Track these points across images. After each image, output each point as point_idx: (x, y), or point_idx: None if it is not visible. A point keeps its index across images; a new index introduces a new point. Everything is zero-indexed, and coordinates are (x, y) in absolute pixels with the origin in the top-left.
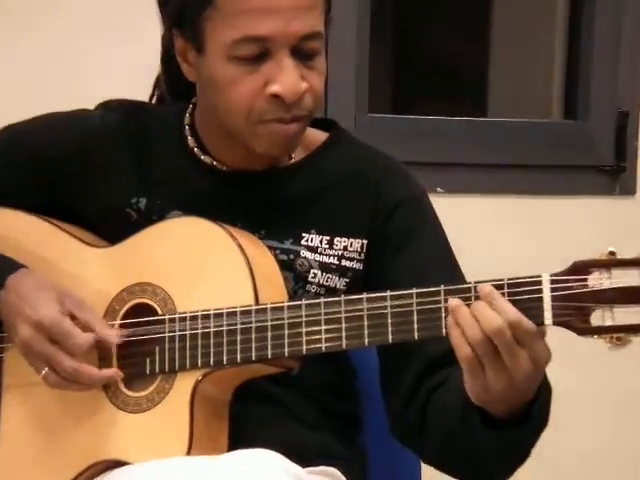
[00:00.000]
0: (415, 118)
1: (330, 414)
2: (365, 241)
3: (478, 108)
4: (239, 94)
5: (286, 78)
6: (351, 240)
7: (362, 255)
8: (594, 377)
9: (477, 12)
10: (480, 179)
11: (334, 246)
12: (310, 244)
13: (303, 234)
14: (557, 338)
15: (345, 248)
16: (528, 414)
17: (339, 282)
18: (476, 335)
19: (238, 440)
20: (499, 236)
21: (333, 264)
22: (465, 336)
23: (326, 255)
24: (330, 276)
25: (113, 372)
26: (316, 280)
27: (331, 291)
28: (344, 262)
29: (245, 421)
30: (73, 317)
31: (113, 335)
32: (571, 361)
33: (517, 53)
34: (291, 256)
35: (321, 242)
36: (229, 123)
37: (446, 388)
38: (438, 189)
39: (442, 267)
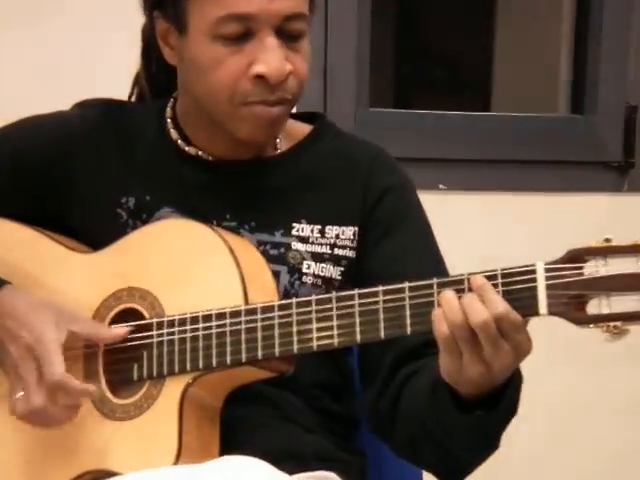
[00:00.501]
0: (417, 113)
1: (328, 416)
2: (357, 228)
3: (482, 102)
4: (222, 75)
5: (271, 58)
6: (343, 228)
7: (354, 243)
8: (599, 380)
9: (481, 2)
10: (483, 175)
11: (326, 235)
12: (301, 234)
13: (293, 224)
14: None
15: (337, 236)
16: (496, 399)
17: (334, 271)
18: (457, 320)
19: (232, 444)
20: (502, 234)
21: (326, 253)
22: (445, 317)
23: (318, 244)
24: (324, 266)
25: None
26: (311, 271)
27: (327, 281)
28: (337, 251)
29: (239, 424)
30: (74, 334)
31: (119, 334)
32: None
33: (522, 45)
34: (282, 250)
35: (312, 231)
36: (212, 107)
37: (420, 375)
38: (440, 186)
39: (426, 257)
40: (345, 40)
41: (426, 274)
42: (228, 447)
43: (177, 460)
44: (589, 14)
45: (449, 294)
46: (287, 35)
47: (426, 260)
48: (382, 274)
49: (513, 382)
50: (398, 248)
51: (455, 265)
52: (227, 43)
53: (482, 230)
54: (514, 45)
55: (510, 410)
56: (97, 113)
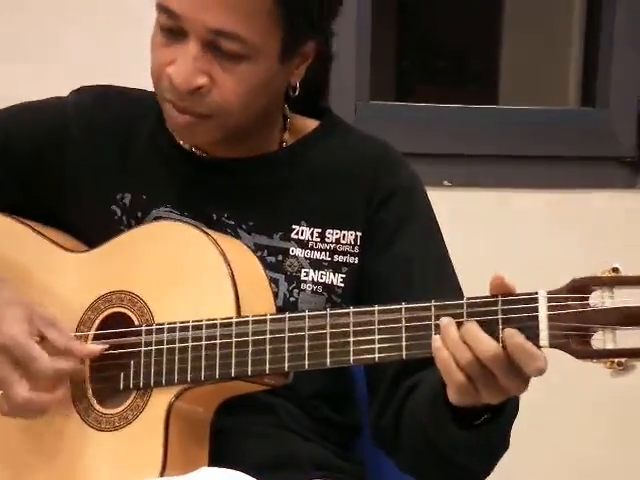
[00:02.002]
0: (420, 106)
1: (326, 424)
2: (359, 233)
3: (488, 95)
4: (153, 62)
5: (181, 65)
6: (344, 232)
7: (356, 248)
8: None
9: None
10: (490, 171)
11: (326, 239)
12: (300, 237)
13: (293, 226)
14: None
15: (337, 241)
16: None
17: (335, 278)
18: (467, 360)
19: (227, 452)
20: (509, 233)
21: (325, 260)
22: (456, 360)
23: (317, 250)
24: (324, 273)
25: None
26: (309, 278)
27: (328, 287)
28: (337, 257)
29: (235, 432)
30: (42, 336)
31: (85, 351)
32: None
33: (531, 35)
34: (280, 257)
35: (312, 235)
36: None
37: (419, 388)
38: (445, 182)
39: (432, 263)
40: (345, 30)
41: (431, 281)
42: (223, 455)
43: (162, 474)
44: (601, 3)
45: (453, 333)
46: (220, 51)
47: (432, 267)
48: (388, 279)
49: None
50: (405, 253)
51: (461, 265)
52: (163, 34)
53: (488, 228)
54: (522, 35)
55: (515, 408)
56: (93, 102)
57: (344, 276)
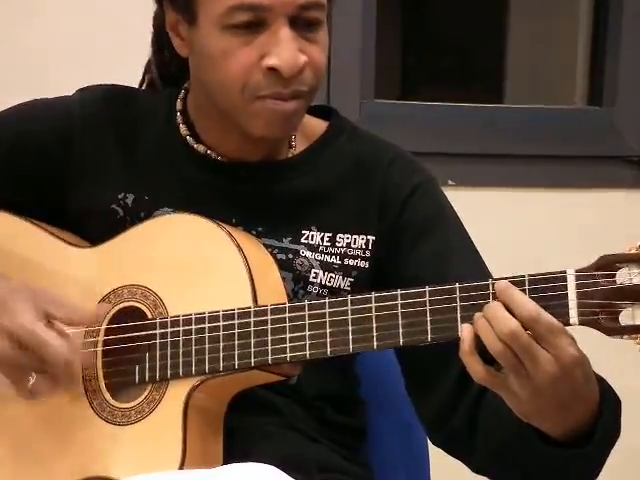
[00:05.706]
0: (425, 105)
1: (331, 425)
2: (372, 237)
3: (494, 93)
4: (234, 67)
5: (284, 50)
6: (354, 237)
7: (367, 252)
8: None
9: None
10: (495, 171)
11: (336, 243)
12: (310, 242)
13: (303, 231)
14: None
15: (348, 245)
16: (593, 433)
17: (343, 282)
18: (493, 344)
19: (234, 452)
20: (516, 233)
21: (335, 264)
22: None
23: (328, 254)
24: (333, 276)
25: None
26: (318, 280)
27: (334, 292)
28: (347, 261)
29: (242, 432)
30: (52, 317)
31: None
32: None
33: (537, 33)
34: (290, 255)
35: (322, 239)
36: (223, 101)
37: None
38: (449, 182)
39: (467, 256)
40: (350, 28)
41: (471, 273)
42: (230, 455)
43: (181, 467)
44: (608, 2)
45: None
46: (303, 24)
47: (469, 258)
48: (425, 277)
49: (606, 410)
50: (440, 248)
51: None
52: (238, 33)
53: (493, 228)
54: (528, 33)
55: (606, 442)
56: (99, 100)
57: (353, 280)
